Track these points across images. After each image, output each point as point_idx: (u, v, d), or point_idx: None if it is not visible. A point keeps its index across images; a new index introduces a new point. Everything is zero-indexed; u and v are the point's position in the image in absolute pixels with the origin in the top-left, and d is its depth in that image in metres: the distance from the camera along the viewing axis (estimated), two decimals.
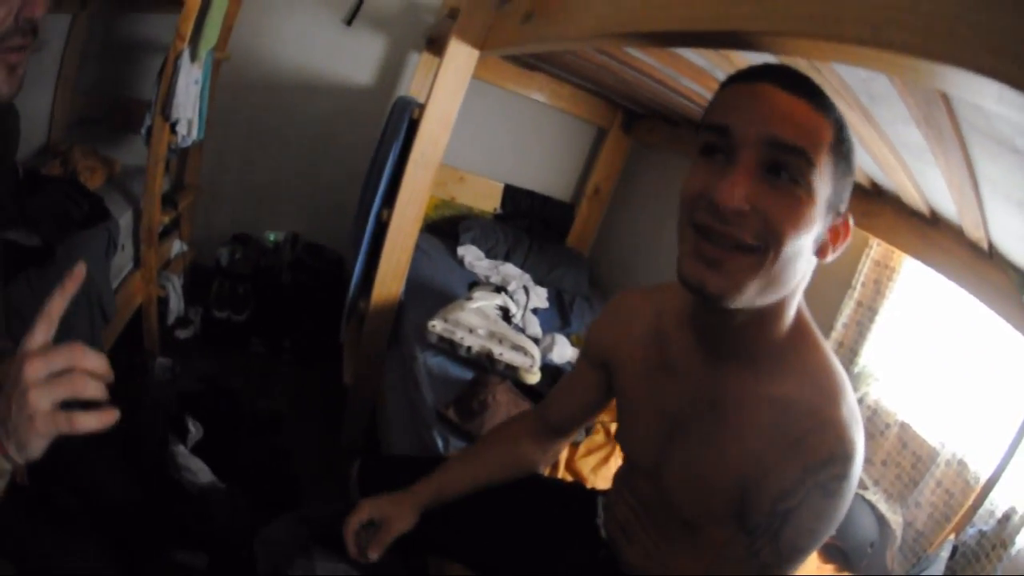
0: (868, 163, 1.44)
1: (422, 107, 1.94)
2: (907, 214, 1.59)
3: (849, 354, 1.84)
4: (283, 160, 3.05)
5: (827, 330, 1.89)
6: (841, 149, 0.68)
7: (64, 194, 1.89)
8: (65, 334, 0.68)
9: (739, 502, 0.78)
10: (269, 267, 2.86)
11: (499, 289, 2.39)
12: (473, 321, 2.03)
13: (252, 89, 2.86)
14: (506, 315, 2.27)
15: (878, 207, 1.65)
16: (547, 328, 2.42)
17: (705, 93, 1.65)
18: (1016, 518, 1.36)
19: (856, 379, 1.83)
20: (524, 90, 3.09)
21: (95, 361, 0.66)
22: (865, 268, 1.81)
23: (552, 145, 3.37)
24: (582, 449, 1.64)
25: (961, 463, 1.52)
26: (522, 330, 2.30)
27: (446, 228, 3.10)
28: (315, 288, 2.79)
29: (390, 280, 2.06)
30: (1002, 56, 0.38)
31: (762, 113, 0.66)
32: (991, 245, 1.36)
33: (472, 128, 3.03)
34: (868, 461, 1.76)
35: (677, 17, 0.73)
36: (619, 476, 1.15)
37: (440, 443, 1.55)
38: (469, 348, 1.96)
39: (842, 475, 0.70)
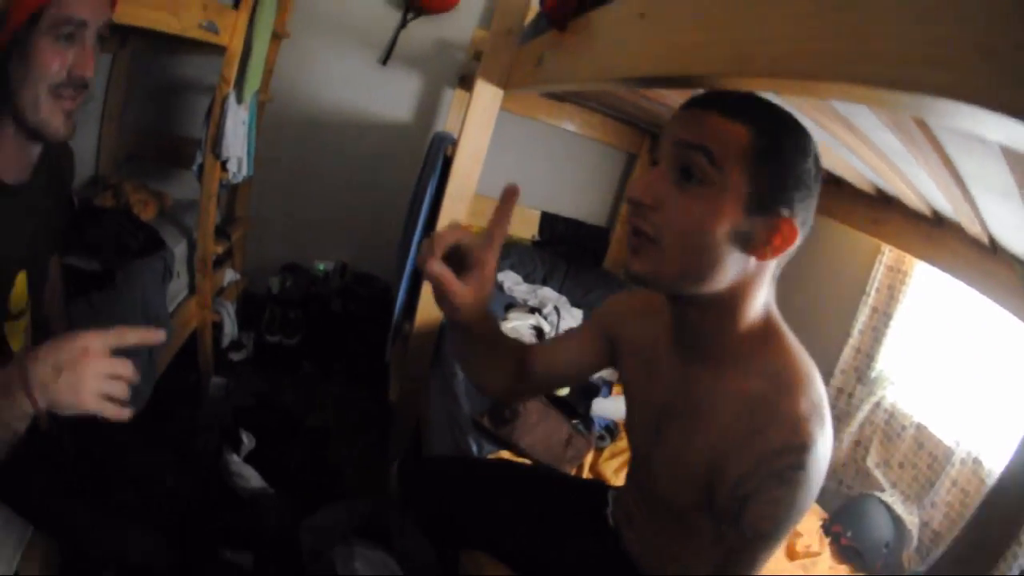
0: (867, 171, 1.51)
1: (455, 143, 2.08)
2: (913, 218, 1.63)
3: (866, 359, 1.89)
4: (329, 194, 3.23)
5: (844, 337, 1.94)
6: (765, 151, 0.75)
7: (120, 225, 2.08)
8: (127, 349, 0.85)
9: (709, 490, 0.83)
10: (319, 294, 3.03)
11: (533, 310, 2.51)
12: None
13: (296, 128, 3.06)
14: (540, 334, 2.38)
15: (885, 213, 1.71)
16: None
17: None
18: None
19: (873, 383, 1.87)
20: (556, 121, 3.23)
21: (129, 370, 0.84)
22: (879, 274, 1.86)
23: (585, 172, 3.48)
24: (606, 453, 1.73)
25: (976, 461, 1.55)
26: None
27: None
28: (363, 314, 2.95)
29: (432, 304, 2.18)
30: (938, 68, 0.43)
31: (678, 125, 0.78)
32: (992, 240, 1.40)
33: (508, 159, 3.17)
34: (886, 464, 1.79)
35: (653, 64, 0.85)
36: (628, 468, 1.24)
37: (475, 447, 1.65)
38: None
39: (797, 465, 0.74)
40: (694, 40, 0.74)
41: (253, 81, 2.22)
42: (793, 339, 0.85)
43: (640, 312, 1.07)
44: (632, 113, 2.69)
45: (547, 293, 2.97)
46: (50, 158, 1.10)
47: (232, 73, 2.09)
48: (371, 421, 2.56)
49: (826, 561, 1.61)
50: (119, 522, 1.17)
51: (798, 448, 0.74)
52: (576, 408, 1.84)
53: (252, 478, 1.81)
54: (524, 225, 3.38)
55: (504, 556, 1.28)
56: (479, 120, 1.96)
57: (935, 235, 1.59)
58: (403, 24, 2.96)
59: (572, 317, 2.77)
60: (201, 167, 2.21)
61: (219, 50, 2.05)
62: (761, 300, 0.84)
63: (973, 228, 1.39)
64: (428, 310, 2.18)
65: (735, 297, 0.82)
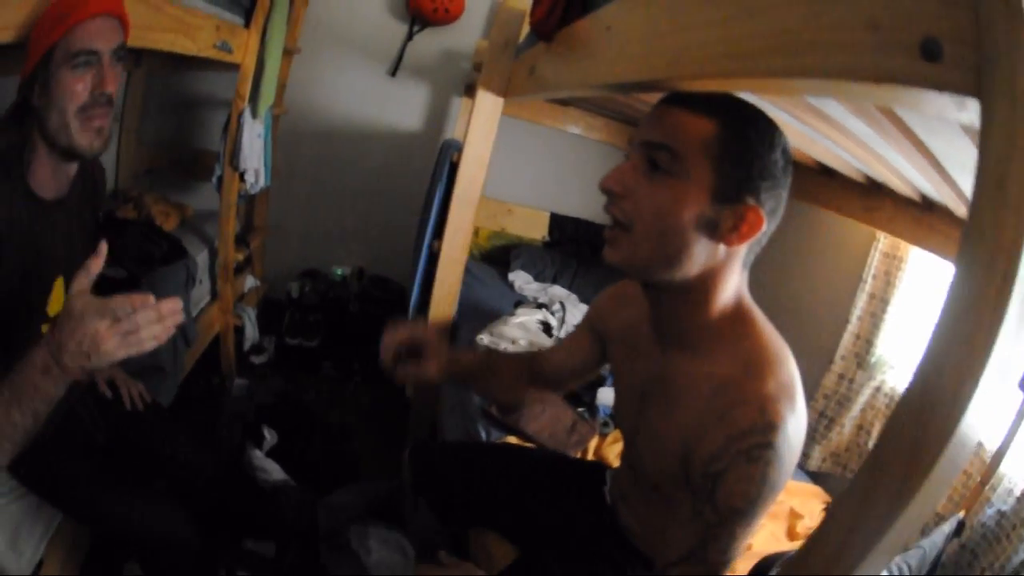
0: (853, 160, 1.55)
1: (460, 150, 2.17)
2: (904, 204, 1.67)
3: (865, 345, 1.92)
4: (345, 201, 3.34)
5: (843, 323, 1.98)
6: (729, 143, 0.80)
7: (143, 235, 2.20)
8: (154, 352, 0.89)
9: (685, 469, 0.88)
10: (337, 298, 3.15)
11: (540, 306, 2.59)
12: (515, 333, 2.25)
13: (310, 139, 3.18)
14: (547, 329, 2.46)
15: (877, 201, 1.75)
16: None
17: None
18: None
19: (873, 368, 1.91)
20: (560, 124, 3.31)
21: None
22: (875, 261, 1.90)
23: (591, 172, 3.51)
24: (609, 438, 1.78)
25: (978, 444, 1.57)
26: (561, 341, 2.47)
27: (499, 256, 3.33)
28: (381, 316, 3.03)
29: (443, 302, 2.28)
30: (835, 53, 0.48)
31: (645, 124, 0.85)
32: None
33: (516, 163, 3.29)
34: None
35: (619, 72, 0.93)
36: (622, 449, 1.31)
37: (483, 434, 1.73)
38: None
39: (764, 443, 0.78)
40: (641, 50, 0.83)
41: (267, 96, 2.33)
42: (765, 323, 0.90)
43: (624, 302, 1.14)
44: (631, 115, 2.76)
45: (557, 291, 3.06)
46: (86, 172, 1.20)
47: (246, 89, 2.20)
48: (389, 416, 2.65)
49: None
50: (147, 499, 1.25)
51: (765, 428, 0.78)
52: (581, 397, 1.90)
53: (274, 472, 1.90)
54: (534, 226, 3.48)
55: (509, 533, 1.36)
56: (481, 127, 2.05)
57: (926, 220, 1.62)
58: (410, 36, 3.06)
59: (579, 312, 2.84)
60: (220, 179, 2.32)
61: (232, 66, 2.15)
62: (732, 287, 0.88)
63: (959, 209, 1.42)
64: (440, 307, 2.27)
65: (706, 284, 0.87)
